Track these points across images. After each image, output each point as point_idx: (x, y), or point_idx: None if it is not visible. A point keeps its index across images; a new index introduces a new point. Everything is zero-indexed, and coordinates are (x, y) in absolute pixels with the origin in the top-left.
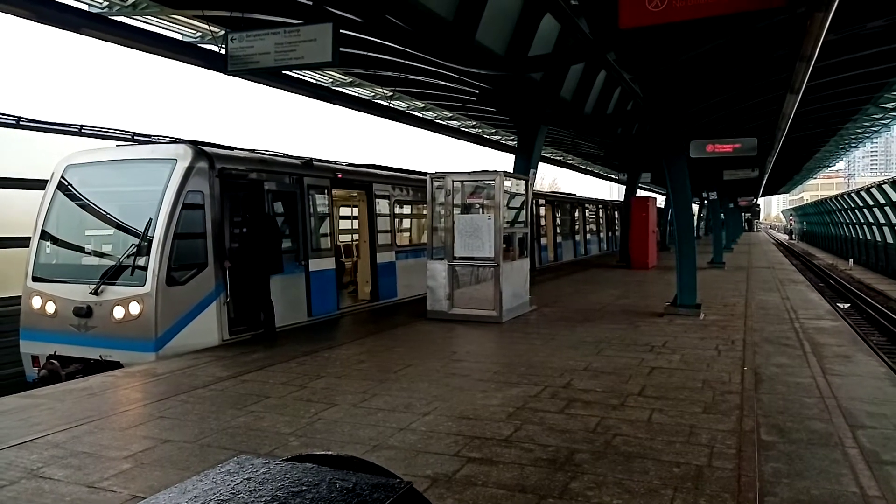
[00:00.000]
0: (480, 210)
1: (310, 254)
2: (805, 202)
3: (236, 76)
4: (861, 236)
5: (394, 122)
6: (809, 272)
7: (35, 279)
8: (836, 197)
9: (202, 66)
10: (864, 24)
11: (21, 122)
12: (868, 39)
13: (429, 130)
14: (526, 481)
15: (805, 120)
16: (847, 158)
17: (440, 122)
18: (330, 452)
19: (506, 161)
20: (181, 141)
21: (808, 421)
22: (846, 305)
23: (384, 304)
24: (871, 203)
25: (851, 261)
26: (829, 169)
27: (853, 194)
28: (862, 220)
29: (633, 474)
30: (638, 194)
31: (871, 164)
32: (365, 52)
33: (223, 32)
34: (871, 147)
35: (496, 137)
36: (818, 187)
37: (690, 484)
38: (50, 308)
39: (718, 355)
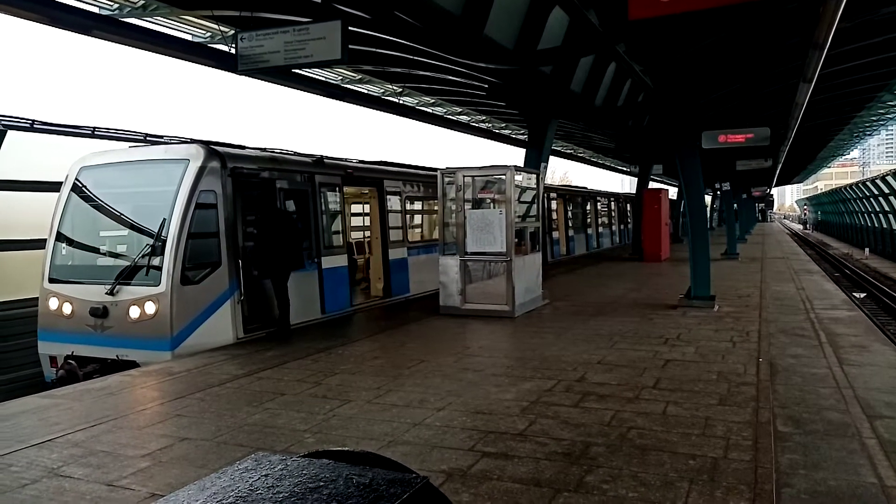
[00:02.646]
0: (492, 205)
1: (322, 251)
2: (819, 191)
3: (246, 75)
4: (877, 225)
5: (404, 118)
6: (824, 262)
7: (52, 281)
8: (850, 185)
9: (212, 66)
10: (878, 10)
11: (35, 125)
12: (882, 25)
13: (439, 126)
14: (541, 475)
15: (818, 108)
16: (862, 147)
17: (450, 117)
18: (346, 448)
19: (516, 155)
20: (193, 141)
21: (824, 411)
22: (862, 295)
23: (397, 300)
24: (886, 191)
25: (867, 250)
26: (844, 157)
27: (868, 182)
28: (878, 209)
29: (649, 467)
30: (650, 186)
31: (887, 152)
32: (374, 49)
33: (233, 32)
34: (887, 135)
35: (506, 132)
36: (832, 176)
37: (706, 476)
38: (66, 309)
39: (733, 347)
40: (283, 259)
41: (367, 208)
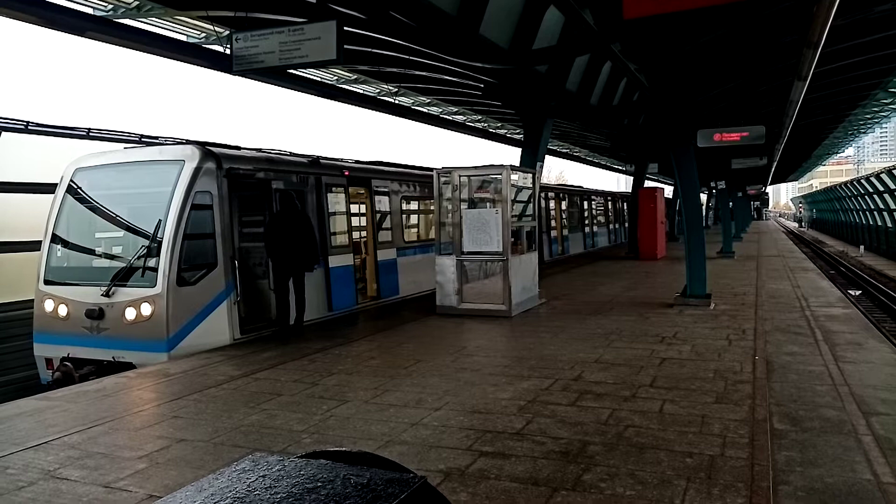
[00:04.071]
0: (488, 205)
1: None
2: (814, 189)
3: (241, 76)
4: (871, 222)
5: (400, 118)
6: (820, 260)
7: (47, 282)
8: (845, 183)
9: (207, 67)
10: (872, 9)
11: (29, 127)
12: (876, 23)
13: (435, 126)
14: (539, 474)
15: (813, 106)
16: (856, 144)
17: (446, 117)
18: (343, 449)
19: (512, 154)
20: (188, 142)
21: (820, 409)
22: (857, 292)
23: (389, 300)
24: (881, 189)
25: (862, 247)
26: (838, 155)
27: (863, 180)
28: (872, 207)
29: (646, 465)
30: (646, 185)
31: (881, 150)
32: (369, 49)
33: (228, 33)
34: (881, 132)
35: (502, 131)
36: (827, 174)
37: (703, 474)
38: (62, 311)
39: (729, 345)
40: (306, 258)
41: (362, 208)
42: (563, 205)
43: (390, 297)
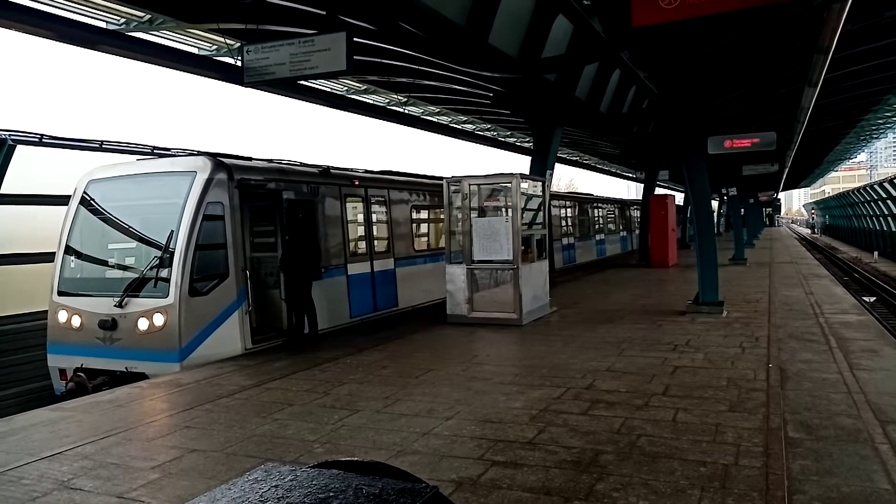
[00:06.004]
0: (497, 213)
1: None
2: (827, 195)
3: (252, 87)
4: (885, 228)
5: (409, 127)
6: (833, 266)
7: (60, 293)
8: (858, 189)
9: (219, 79)
10: (883, 14)
11: (43, 140)
12: (887, 28)
13: (444, 135)
14: (551, 484)
15: (824, 112)
16: (869, 150)
17: (455, 126)
18: (355, 458)
19: (522, 163)
20: (200, 153)
21: (836, 417)
22: (872, 299)
23: (391, 311)
24: (894, 194)
25: (876, 253)
26: (851, 161)
27: (876, 186)
28: (886, 212)
29: (660, 475)
30: (656, 192)
31: (894, 155)
32: (379, 60)
33: (239, 45)
34: (894, 137)
35: (511, 140)
36: (840, 180)
37: (718, 483)
38: (76, 322)
39: (743, 353)
40: (312, 268)
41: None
42: (574, 212)
43: (387, 308)
